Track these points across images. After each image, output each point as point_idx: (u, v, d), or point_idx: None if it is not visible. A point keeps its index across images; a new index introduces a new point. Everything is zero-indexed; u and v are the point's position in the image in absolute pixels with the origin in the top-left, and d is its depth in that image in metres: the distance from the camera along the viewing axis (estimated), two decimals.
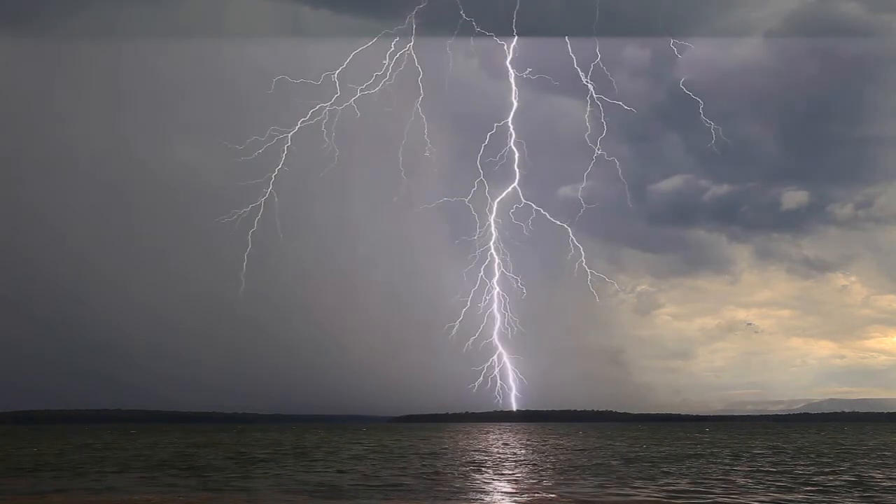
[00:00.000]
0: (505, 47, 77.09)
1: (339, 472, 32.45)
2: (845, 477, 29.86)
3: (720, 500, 23.28)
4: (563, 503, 22.85)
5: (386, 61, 76.22)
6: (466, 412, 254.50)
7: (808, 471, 32.78)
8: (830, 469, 33.82)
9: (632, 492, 25.07)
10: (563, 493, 24.52)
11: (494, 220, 78.12)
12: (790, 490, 25.42)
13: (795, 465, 36.63)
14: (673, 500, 23.06)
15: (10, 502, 23.46)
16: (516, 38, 76.04)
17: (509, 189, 79.53)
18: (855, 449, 51.62)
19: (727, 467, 35.15)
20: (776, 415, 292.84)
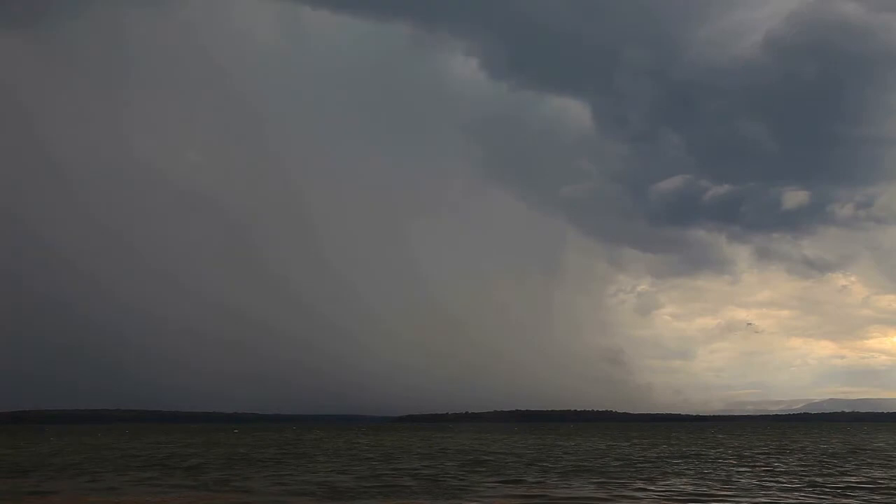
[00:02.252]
0: (505, 47, 77.09)
1: (339, 472, 32.41)
2: (847, 477, 29.81)
3: (720, 500, 23.23)
4: (562, 503, 22.81)
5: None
6: (466, 412, 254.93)
7: (811, 471, 32.73)
8: (833, 469, 33.77)
9: (632, 492, 25.02)
10: (562, 493, 24.47)
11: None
12: (791, 490, 25.37)
13: (797, 465, 36.58)
14: (673, 501, 23.01)
15: (10, 502, 23.43)
16: (516, 37, 76.09)
17: (510, 189, 79.43)
18: (858, 448, 51.56)
19: (728, 467, 35.10)
20: (776, 415, 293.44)
